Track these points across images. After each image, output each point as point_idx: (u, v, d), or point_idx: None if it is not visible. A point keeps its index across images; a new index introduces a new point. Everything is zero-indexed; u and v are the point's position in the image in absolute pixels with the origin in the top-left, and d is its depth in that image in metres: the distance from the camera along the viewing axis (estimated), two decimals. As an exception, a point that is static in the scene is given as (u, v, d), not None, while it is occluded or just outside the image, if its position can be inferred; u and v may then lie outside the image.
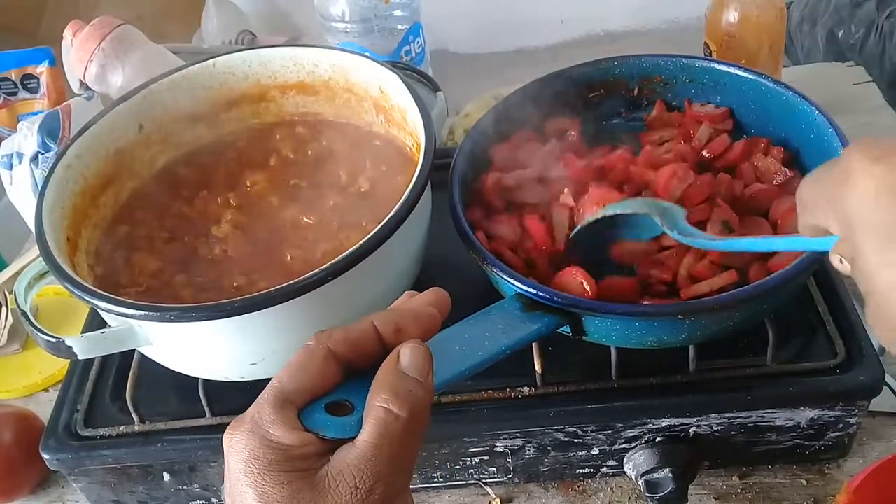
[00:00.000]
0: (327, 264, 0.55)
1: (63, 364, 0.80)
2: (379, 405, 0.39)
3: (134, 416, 0.66)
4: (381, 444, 0.38)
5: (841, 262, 0.43)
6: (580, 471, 0.67)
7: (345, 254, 0.56)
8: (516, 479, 0.68)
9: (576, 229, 0.64)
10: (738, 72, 0.72)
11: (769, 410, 0.61)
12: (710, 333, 0.59)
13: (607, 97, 0.77)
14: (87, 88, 0.97)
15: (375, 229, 0.57)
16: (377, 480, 0.38)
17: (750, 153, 0.69)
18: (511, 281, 0.58)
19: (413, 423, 0.39)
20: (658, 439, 0.63)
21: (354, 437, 0.39)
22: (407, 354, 0.41)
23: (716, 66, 0.74)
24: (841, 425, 0.62)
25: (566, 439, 0.63)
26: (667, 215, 0.58)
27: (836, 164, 0.41)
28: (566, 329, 0.59)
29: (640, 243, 0.63)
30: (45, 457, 0.66)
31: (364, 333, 0.42)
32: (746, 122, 0.73)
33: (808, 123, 0.67)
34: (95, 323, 0.72)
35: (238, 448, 0.39)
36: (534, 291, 0.57)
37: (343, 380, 0.42)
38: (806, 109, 0.67)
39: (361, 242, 0.56)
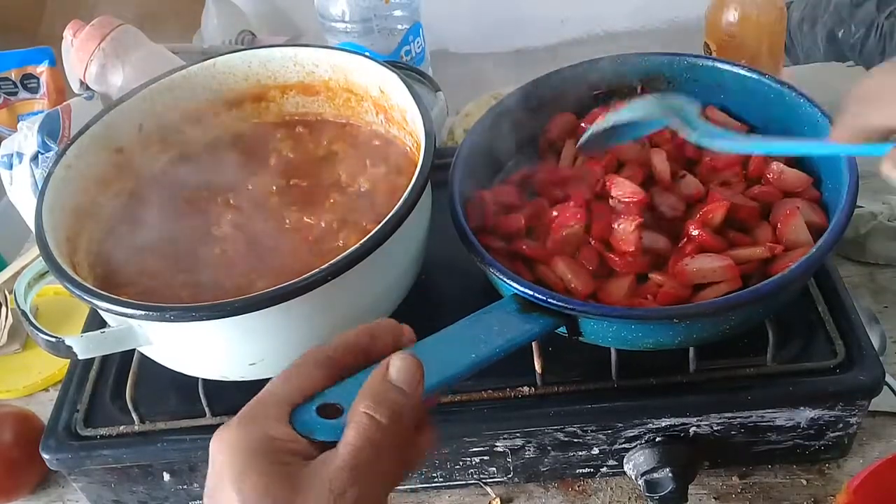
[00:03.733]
0: (327, 264, 0.55)
1: (63, 364, 0.80)
2: (362, 411, 0.40)
3: (134, 415, 0.66)
4: (360, 448, 0.39)
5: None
6: (580, 470, 0.67)
7: (345, 254, 0.56)
8: (516, 479, 0.68)
9: (584, 136, 0.66)
10: (741, 71, 0.72)
11: (769, 410, 0.61)
12: (707, 336, 0.59)
13: (610, 95, 0.77)
14: (87, 88, 0.97)
15: (375, 229, 0.57)
16: (352, 484, 0.38)
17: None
18: (508, 281, 0.58)
19: (394, 430, 0.40)
20: (658, 439, 0.63)
21: None
22: (397, 366, 0.42)
23: (719, 65, 0.73)
24: (841, 425, 0.62)
25: (566, 439, 0.63)
26: (683, 115, 0.57)
27: None
28: (563, 330, 0.59)
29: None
30: (45, 457, 0.66)
31: (357, 336, 0.43)
32: (748, 122, 0.73)
33: (810, 125, 0.67)
34: (95, 323, 0.72)
35: (224, 439, 0.39)
36: (530, 292, 0.57)
37: (334, 382, 0.42)
38: (808, 110, 0.67)
39: (361, 242, 0.56)
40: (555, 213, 0.66)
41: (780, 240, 0.62)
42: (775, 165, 0.67)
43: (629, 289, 0.61)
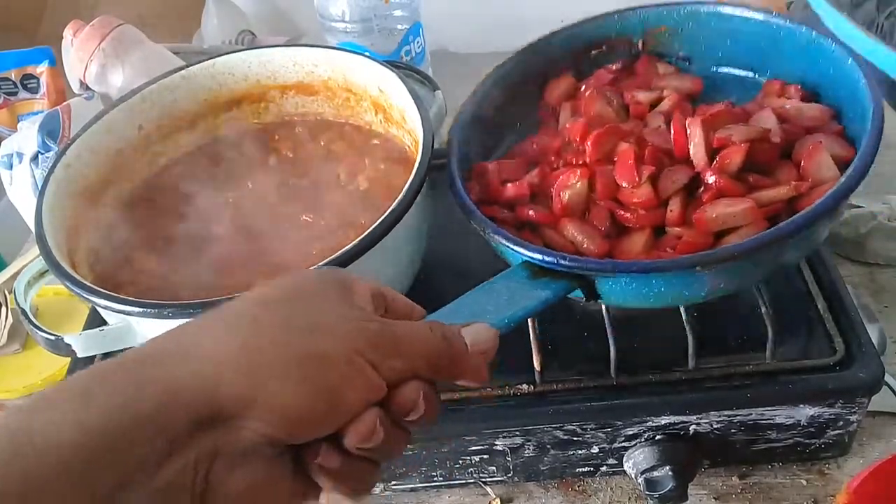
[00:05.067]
0: (325, 261, 0.55)
1: (63, 364, 0.80)
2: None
3: (133, 415, 0.65)
4: None
5: None
6: (580, 469, 0.67)
7: (341, 251, 0.56)
8: (516, 479, 0.68)
9: None
10: (746, 13, 0.68)
11: (769, 408, 0.61)
12: (733, 287, 0.56)
13: (610, 53, 0.74)
14: (87, 88, 0.97)
15: (371, 227, 0.57)
16: None
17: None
18: (516, 248, 0.55)
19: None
20: (658, 437, 0.63)
21: None
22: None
23: (722, 9, 0.70)
24: (841, 423, 0.62)
25: (565, 437, 0.63)
26: None
27: None
28: (578, 294, 0.56)
29: None
30: (45, 456, 0.66)
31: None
32: (759, 65, 0.70)
33: (825, 58, 0.63)
34: (95, 323, 0.71)
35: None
36: (540, 256, 0.54)
37: None
38: (822, 43, 0.64)
39: (359, 239, 0.56)
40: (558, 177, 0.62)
41: (804, 178, 0.58)
42: (790, 104, 0.63)
43: (646, 244, 0.58)
